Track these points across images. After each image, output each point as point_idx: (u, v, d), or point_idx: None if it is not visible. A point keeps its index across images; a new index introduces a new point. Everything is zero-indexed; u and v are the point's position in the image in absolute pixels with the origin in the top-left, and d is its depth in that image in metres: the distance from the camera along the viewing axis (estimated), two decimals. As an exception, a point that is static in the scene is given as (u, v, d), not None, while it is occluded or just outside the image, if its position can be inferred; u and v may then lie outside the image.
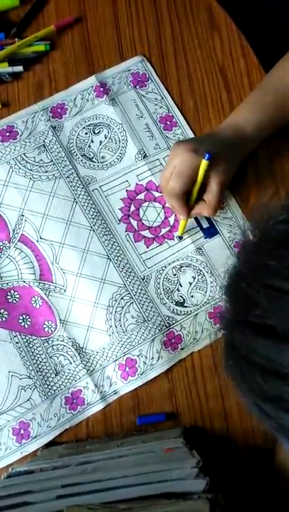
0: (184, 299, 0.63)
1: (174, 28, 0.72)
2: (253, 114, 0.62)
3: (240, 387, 0.35)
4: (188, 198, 0.61)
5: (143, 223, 0.65)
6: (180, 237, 0.65)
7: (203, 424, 0.60)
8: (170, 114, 0.69)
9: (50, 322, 0.61)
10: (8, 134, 0.67)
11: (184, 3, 0.73)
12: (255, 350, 0.32)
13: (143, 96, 0.69)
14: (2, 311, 0.61)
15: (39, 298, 0.62)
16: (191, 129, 0.69)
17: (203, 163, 0.57)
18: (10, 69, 0.69)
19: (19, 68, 0.69)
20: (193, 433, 0.58)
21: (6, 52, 0.68)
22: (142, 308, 0.62)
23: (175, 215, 0.65)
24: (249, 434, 0.59)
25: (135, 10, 0.73)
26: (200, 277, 0.64)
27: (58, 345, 0.61)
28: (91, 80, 0.69)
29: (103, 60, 0.71)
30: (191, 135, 0.68)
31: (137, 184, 0.66)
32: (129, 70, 0.70)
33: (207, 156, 0.56)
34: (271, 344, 0.31)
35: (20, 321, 0.61)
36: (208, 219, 0.66)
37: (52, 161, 0.66)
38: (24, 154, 0.66)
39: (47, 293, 0.62)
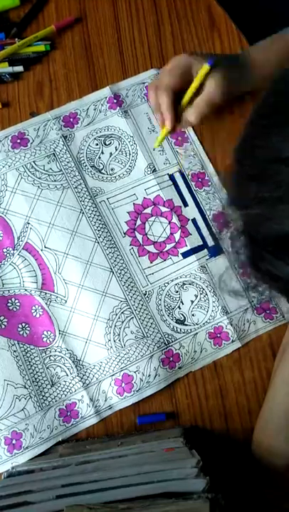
0: (184, 317, 0.63)
1: (173, 28, 0.73)
2: (262, 52, 0.62)
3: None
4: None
5: (148, 238, 0.65)
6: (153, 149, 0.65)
7: (203, 424, 0.60)
8: (182, 129, 0.69)
9: (49, 332, 0.61)
10: (19, 140, 0.67)
11: (184, 3, 0.73)
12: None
13: (156, 110, 0.69)
14: (2, 318, 0.61)
15: (40, 307, 0.62)
16: (201, 144, 0.68)
17: (205, 68, 0.57)
18: (10, 69, 0.69)
19: (19, 68, 0.69)
20: (193, 433, 0.58)
21: (6, 52, 0.69)
22: (141, 323, 0.62)
23: (181, 232, 0.65)
24: (249, 434, 0.59)
25: (135, 10, 0.73)
26: (202, 296, 0.63)
27: (55, 356, 0.61)
28: (105, 91, 0.69)
29: (103, 60, 0.71)
30: (202, 152, 0.68)
31: (144, 198, 0.66)
32: (144, 83, 0.70)
33: (210, 61, 0.56)
34: None
35: (19, 329, 0.61)
36: (214, 238, 0.65)
37: (61, 170, 0.66)
38: (34, 162, 0.66)
39: (48, 302, 0.62)
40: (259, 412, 0.59)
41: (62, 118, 0.68)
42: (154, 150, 0.66)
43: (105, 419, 0.60)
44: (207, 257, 0.65)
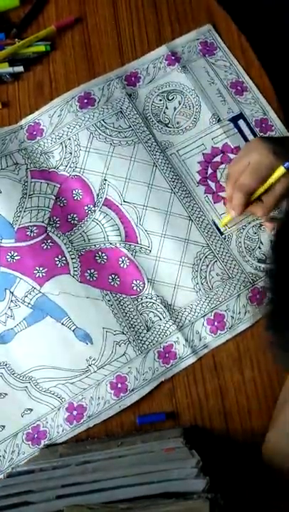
0: (266, 257, 0.65)
1: (173, 28, 0.72)
2: None
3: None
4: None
5: (221, 185, 0.67)
6: (218, 229, 0.65)
7: (203, 424, 0.60)
8: (240, 79, 0.71)
9: (138, 281, 0.63)
10: (86, 100, 0.68)
11: (183, 3, 0.73)
12: None
13: (212, 64, 0.71)
14: (92, 271, 0.63)
15: (126, 258, 0.64)
16: (261, 93, 0.70)
17: (281, 170, 0.57)
18: (10, 69, 0.69)
19: (19, 68, 0.70)
20: (193, 433, 0.59)
21: (7, 52, 0.69)
22: (225, 266, 0.64)
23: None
24: (249, 434, 0.60)
25: (135, 10, 0.73)
26: (279, 235, 0.65)
27: (147, 302, 0.63)
28: (162, 50, 0.71)
29: (103, 59, 0.71)
30: (261, 98, 0.70)
31: (212, 147, 0.68)
32: (198, 39, 0.72)
33: (287, 164, 0.56)
34: None
35: (109, 280, 0.63)
36: None
37: (130, 126, 0.68)
38: (103, 120, 0.68)
39: (133, 253, 0.64)
40: (258, 412, 0.59)
41: (124, 77, 0.70)
42: (218, 231, 0.66)
43: (105, 419, 0.60)
44: (280, 198, 0.67)
